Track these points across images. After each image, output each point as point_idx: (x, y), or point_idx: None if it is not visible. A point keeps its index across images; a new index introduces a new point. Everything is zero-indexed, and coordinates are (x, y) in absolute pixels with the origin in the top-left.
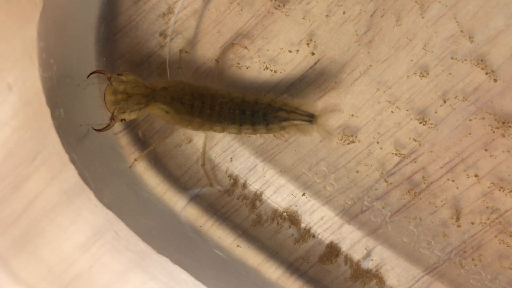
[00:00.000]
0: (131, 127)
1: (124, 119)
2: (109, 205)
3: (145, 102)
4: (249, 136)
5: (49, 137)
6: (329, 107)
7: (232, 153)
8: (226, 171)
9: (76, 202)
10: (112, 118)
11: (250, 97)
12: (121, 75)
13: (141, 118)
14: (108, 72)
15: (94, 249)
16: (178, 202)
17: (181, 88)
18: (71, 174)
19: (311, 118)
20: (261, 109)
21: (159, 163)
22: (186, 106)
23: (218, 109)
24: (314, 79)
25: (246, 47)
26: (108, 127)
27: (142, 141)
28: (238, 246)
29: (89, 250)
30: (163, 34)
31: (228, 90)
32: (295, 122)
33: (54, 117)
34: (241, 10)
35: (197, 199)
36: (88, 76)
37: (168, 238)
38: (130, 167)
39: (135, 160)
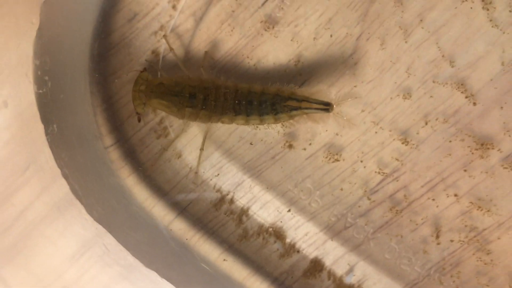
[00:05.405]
0: (122, 141)
1: (137, 113)
2: (99, 219)
3: (139, 98)
4: (257, 127)
5: (42, 152)
6: (346, 94)
7: (219, 169)
8: (214, 186)
9: (66, 215)
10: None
11: (257, 88)
12: (142, 71)
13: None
14: (145, 67)
15: (82, 261)
16: (166, 216)
17: (178, 82)
18: (62, 188)
19: (327, 106)
20: (269, 99)
21: (149, 178)
22: (185, 99)
23: (222, 100)
24: None
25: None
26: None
27: (133, 156)
28: (224, 260)
29: (77, 262)
30: (155, 52)
31: (234, 82)
32: (308, 111)
33: (47, 132)
34: (232, 30)
35: (185, 213)
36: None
37: (156, 252)
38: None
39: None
